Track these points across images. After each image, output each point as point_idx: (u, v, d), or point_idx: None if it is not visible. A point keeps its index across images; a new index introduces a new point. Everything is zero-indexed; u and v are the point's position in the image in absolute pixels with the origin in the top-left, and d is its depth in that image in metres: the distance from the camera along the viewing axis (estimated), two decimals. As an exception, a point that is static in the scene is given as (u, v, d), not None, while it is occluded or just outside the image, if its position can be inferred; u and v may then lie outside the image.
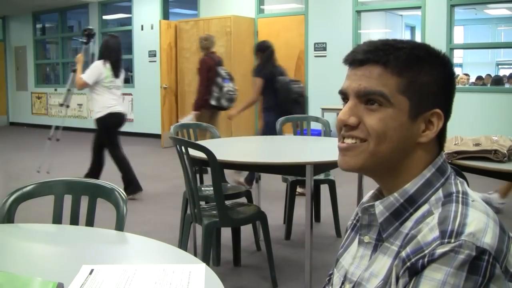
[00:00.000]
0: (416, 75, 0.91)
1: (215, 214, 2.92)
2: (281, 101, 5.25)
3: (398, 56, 0.91)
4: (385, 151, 0.92)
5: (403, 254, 0.83)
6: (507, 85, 10.15)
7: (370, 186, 1.06)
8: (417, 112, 0.91)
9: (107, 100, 5.18)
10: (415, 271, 0.80)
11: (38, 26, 13.49)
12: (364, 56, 0.92)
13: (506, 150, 2.46)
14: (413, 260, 0.81)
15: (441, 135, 0.96)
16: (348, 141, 0.94)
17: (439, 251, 0.79)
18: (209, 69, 5.95)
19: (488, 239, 0.80)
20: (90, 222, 1.83)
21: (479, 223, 0.81)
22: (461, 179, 0.96)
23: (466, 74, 11.10)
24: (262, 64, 5.43)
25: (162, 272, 1.20)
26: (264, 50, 5.47)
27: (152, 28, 10.30)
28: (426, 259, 0.79)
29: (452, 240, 0.79)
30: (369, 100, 0.92)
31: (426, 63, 0.92)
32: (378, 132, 0.91)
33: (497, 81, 10.17)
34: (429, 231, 0.82)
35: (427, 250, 0.80)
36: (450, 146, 2.60)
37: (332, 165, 3.01)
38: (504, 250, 0.81)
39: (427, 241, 0.81)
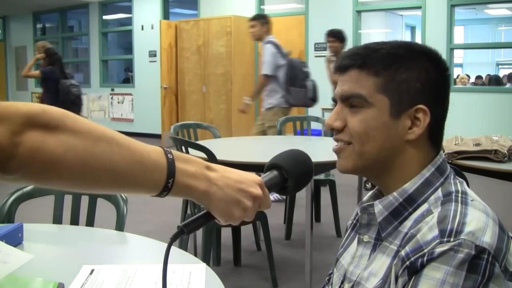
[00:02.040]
0: (394, 73, 0.92)
1: (215, 214, 2.91)
2: (60, 101, 6.05)
3: (374, 57, 0.93)
4: (371, 151, 0.93)
5: (403, 253, 0.83)
6: (508, 85, 10.14)
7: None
8: (399, 109, 0.92)
9: None
10: (414, 270, 0.81)
11: (39, 26, 13.50)
12: (345, 62, 0.96)
13: (506, 150, 2.46)
14: (412, 259, 0.81)
15: (436, 133, 0.95)
16: (338, 143, 0.98)
17: (439, 250, 0.79)
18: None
19: (488, 238, 0.80)
20: (90, 222, 1.83)
21: (478, 222, 0.82)
22: (460, 179, 0.96)
23: (467, 75, 11.11)
24: (48, 65, 6.45)
25: (163, 272, 1.20)
26: (51, 56, 6.50)
27: (152, 28, 10.30)
28: (425, 258, 0.80)
29: (452, 239, 0.79)
30: (350, 103, 0.95)
31: (406, 60, 0.93)
32: (360, 132, 0.93)
33: (496, 80, 10.17)
34: (428, 230, 0.83)
35: (426, 249, 0.80)
36: (450, 146, 2.60)
37: (332, 165, 3.01)
38: (503, 249, 0.81)
39: (426, 240, 0.81)
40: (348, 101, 0.95)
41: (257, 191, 0.83)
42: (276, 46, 4.96)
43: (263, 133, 4.97)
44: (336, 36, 5.27)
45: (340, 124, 0.96)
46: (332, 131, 0.98)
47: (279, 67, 4.94)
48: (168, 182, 0.76)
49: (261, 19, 5.07)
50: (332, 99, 1.02)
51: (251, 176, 0.84)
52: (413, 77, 0.92)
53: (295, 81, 4.99)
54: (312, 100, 5.19)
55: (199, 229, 0.83)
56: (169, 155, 0.77)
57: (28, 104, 0.68)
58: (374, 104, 0.92)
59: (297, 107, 5.33)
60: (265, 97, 5.02)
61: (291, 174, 0.89)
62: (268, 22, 5.05)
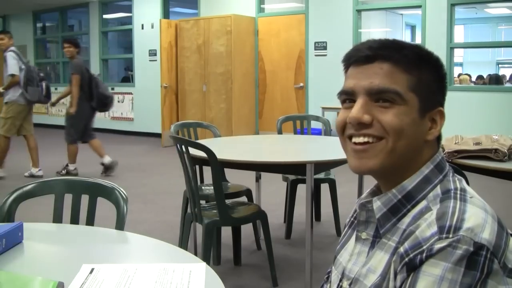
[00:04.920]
0: (421, 74, 0.93)
1: (215, 213, 2.92)
2: None
3: (406, 54, 0.92)
4: (403, 147, 0.91)
5: (401, 249, 0.84)
6: (508, 84, 10.12)
7: (371, 184, 1.06)
8: (425, 109, 0.93)
9: None
10: (413, 267, 0.81)
11: (39, 25, 13.49)
12: (373, 52, 0.92)
13: (506, 149, 2.46)
14: (411, 255, 0.81)
15: (440, 135, 0.97)
16: (360, 139, 0.92)
17: (437, 246, 0.79)
18: None
19: (486, 235, 0.80)
20: (90, 221, 1.83)
21: (477, 219, 0.82)
22: (459, 176, 0.96)
23: (468, 75, 11.10)
24: None
25: (163, 271, 1.20)
26: None
27: (152, 27, 10.30)
28: (424, 255, 0.80)
29: (450, 235, 0.79)
30: (381, 98, 0.91)
31: (428, 62, 0.94)
32: (396, 128, 0.90)
33: (496, 79, 10.16)
34: (427, 227, 0.83)
35: (425, 245, 0.80)
36: (450, 145, 2.60)
37: (332, 164, 3.01)
38: (502, 246, 0.81)
39: (425, 237, 0.81)
40: (378, 95, 0.91)
41: None
42: (17, 54, 6.42)
43: (6, 123, 6.24)
44: (71, 42, 6.45)
45: (370, 119, 0.91)
46: (355, 126, 0.92)
47: (21, 70, 6.27)
48: None
49: (8, 33, 6.65)
50: (343, 92, 0.93)
51: None
52: (433, 80, 0.94)
53: (32, 81, 6.27)
54: (46, 97, 6.48)
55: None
56: None
57: None
58: (407, 102, 0.91)
59: (35, 103, 6.57)
60: (7, 93, 6.27)
61: None
62: (12, 36, 6.66)
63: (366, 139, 0.92)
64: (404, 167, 0.94)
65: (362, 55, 0.93)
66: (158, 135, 9.80)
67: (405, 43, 0.95)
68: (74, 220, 1.86)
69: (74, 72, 6.30)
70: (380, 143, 0.91)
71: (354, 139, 0.93)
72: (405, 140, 0.91)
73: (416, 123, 0.92)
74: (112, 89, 11.35)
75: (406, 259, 0.82)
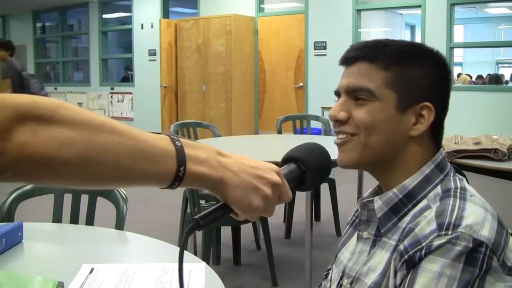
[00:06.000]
0: (404, 69, 0.94)
1: (215, 213, 2.91)
2: None
3: (385, 52, 0.94)
4: (376, 143, 0.94)
5: (401, 247, 0.84)
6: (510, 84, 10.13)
7: (370, 184, 1.06)
8: (405, 105, 0.93)
9: None
10: (412, 264, 0.82)
11: (38, 25, 13.48)
12: (354, 54, 0.96)
13: (506, 149, 2.46)
14: (410, 252, 0.82)
15: (437, 131, 0.97)
16: (340, 135, 0.97)
17: (436, 243, 0.80)
18: None
19: (486, 232, 0.80)
20: (90, 221, 1.83)
21: (476, 217, 0.82)
22: (460, 176, 0.96)
23: (468, 74, 11.11)
24: None
25: (162, 271, 1.20)
26: None
27: (152, 27, 10.30)
28: (423, 251, 0.80)
29: (449, 232, 0.80)
30: (356, 96, 0.95)
31: (416, 58, 0.95)
32: (366, 123, 0.93)
33: (496, 79, 10.18)
34: (426, 224, 0.83)
35: (424, 242, 0.81)
36: (450, 145, 2.60)
37: (332, 164, 3.01)
38: (501, 244, 0.82)
39: (424, 234, 0.82)
40: (354, 93, 0.95)
41: (276, 177, 0.75)
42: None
43: None
44: (2, 45, 6.53)
45: (345, 116, 0.96)
46: (335, 123, 0.98)
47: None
48: (179, 171, 0.69)
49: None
50: (334, 92, 0.99)
51: (267, 163, 0.78)
52: (422, 75, 0.94)
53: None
54: None
55: (215, 223, 0.76)
56: (177, 142, 0.70)
57: (17, 95, 0.62)
58: (381, 99, 0.93)
59: None
60: None
61: (310, 166, 0.82)
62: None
63: (344, 135, 0.97)
64: (389, 162, 0.95)
65: (347, 57, 0.98)
66: (157, 135, 9.79)
67: (395, 41, 0.97)
68: (74, 220, 1.86)
69: (5, 76, 6.59)
70: (353, 138, 0.95)
71: (338, 136, 0.98)
72: (379, 135, 0.93)
73: (393, 119, 0.93)
74: (112, 88, 11.38)
75: (406, 256, 0.83)
